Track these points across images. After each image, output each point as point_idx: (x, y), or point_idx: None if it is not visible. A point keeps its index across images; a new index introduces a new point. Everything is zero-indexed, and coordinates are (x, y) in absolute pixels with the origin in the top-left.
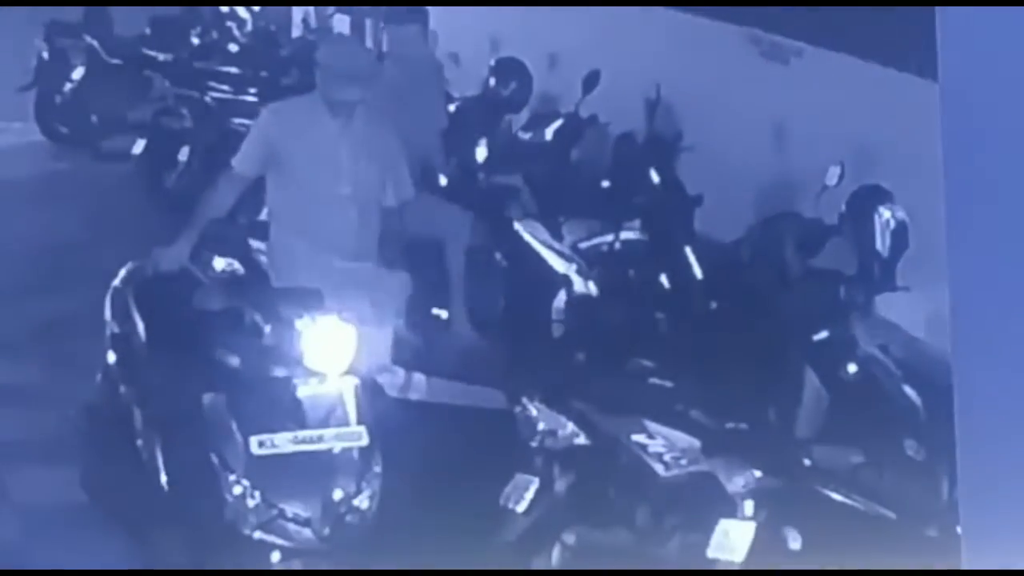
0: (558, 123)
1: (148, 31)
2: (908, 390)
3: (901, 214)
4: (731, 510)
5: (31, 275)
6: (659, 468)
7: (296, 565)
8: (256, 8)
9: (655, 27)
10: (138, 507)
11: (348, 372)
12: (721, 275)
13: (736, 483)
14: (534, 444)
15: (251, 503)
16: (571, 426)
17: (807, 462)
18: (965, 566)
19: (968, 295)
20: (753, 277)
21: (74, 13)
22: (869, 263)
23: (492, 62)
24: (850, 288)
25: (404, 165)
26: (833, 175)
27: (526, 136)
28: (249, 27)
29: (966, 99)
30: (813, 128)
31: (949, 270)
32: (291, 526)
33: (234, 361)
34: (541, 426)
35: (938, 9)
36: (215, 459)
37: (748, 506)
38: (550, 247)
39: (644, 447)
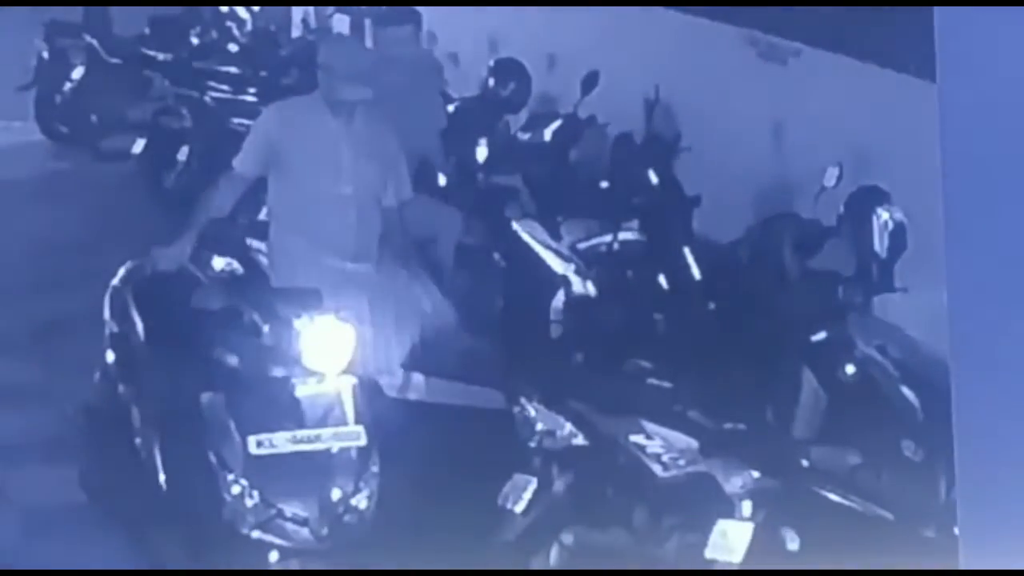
0: (557, 123)
1: (148, 31)
2: (906, 391)
3: (899, 215)
4: (729, 511)
5: (30, 274)
6: (657, 468)
7: (294, 565)
8: (256, 8)
9: (654, 28)
10: (137, 506)
11: (346, 372)
12: (719, 276)
13: (734, 484)
14: (532, 444)
15: (249, 503)
16: (569, 426)
17: (805, 463)
18: (963, 567)
19: (966, 296)
20: (751, 278)
21: (74, 13)
22: (867, 264)
23: (491, 63)
24: (848, 289)
25: (404, 165)
26: (831, 176)
27: (525, 136)
28: (249, 27)
29: (964, 100)
30: (811, 129)
31: (947, 271)
32: (289, 526)
33: (233, 360)
34: (539, 426)
35: (936, 10)
36: (213, 458)
37: (746, 507)
38: (548, 247)
39: (642, 447)
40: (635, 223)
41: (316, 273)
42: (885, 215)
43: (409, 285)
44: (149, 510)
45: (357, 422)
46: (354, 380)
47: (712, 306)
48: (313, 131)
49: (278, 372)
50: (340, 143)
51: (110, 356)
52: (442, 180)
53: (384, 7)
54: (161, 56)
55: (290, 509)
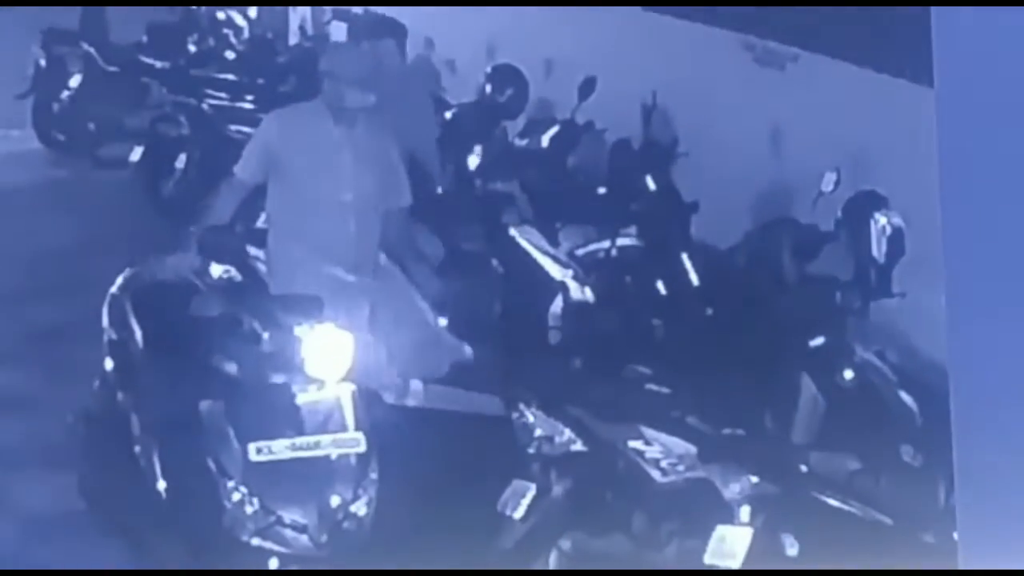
0: (554, 130)
1: (145, 38)
2: (904, 396)
3: (897, 220)
4: (728, 516)
5: (29, 282)
6: (656, 474)
7: None
8: (253, 15)
9: (651, 34)
10: (136, 513)
11: (345, 379)
12: (717, 281)
13: (733, 489)
14: (531, 450)
15: (249, 510)
16: (568, 432)
17: (804, 468)
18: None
19: (964, 301)
20: (749, 283)
21: (71, 21)
22: (865, 269)
23: (488, 69)
24: (846, 294)
25: (403, 171)
26: (829, 181)
27: (522, 143)
28: (246, 34)
29: (962, 105)
30: (809, 134)
31: (945, 276)
32: (289, 532)
33: (232, 368)
34: (538, 432)
35: (933, 15)
36: (213, 465)
37: (745, 512)
38: (547, 253)
39: (641, 453)
40: (633, 229)
41: (315, 280)
42: (883, 220)
43: (407, 291)
44: (148, 517)
45: (356, 429)
46: (353, 387)
47: (710, 312)
48: (315, 138)
49: (277, 379)
50: (342, 150)
51: (109, 363)
52: (439, 188)
53: (368, 20)
54: (158, 64)
55: (289, 516)
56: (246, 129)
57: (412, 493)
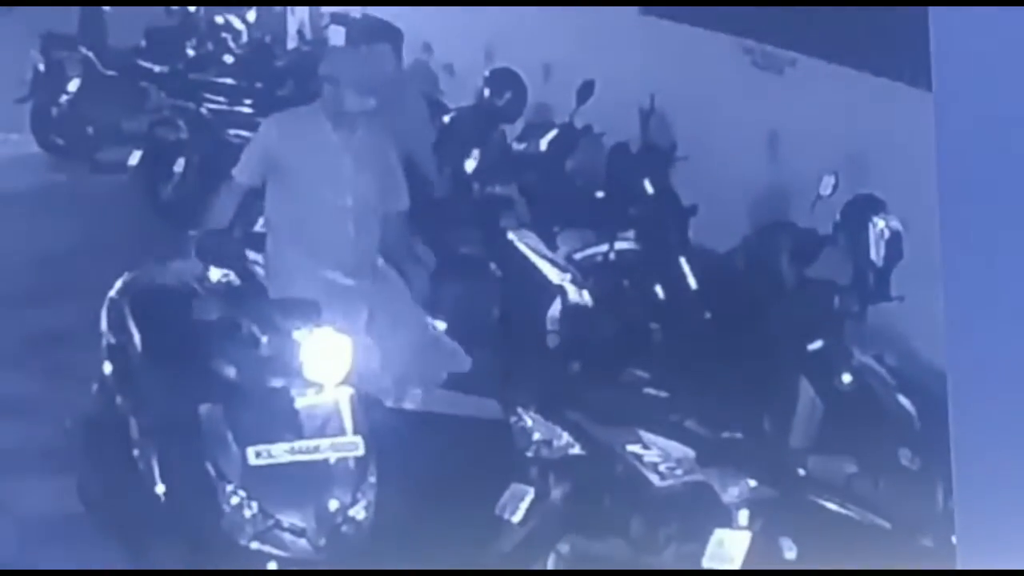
0: (553, 133)
1: (143, 43)
2: (903, 399)
3: (895, 224)
4: (726, 520)
5: (27, 286)
6: (654, 478)
7: None
8: (251, 19)
9: (649, 38)
10: (134, 517)
11: (344, 382)
12: (715, 285)
13: (731, 493)
14: (529, 454)
15: (248, 513)
16: (566, 436)
17: (802, 472)
18: None
19: (962, 304)
20: (747, 287)
21: (70, 25)
22: (863, 272)
23: (487, 72)
24: (844, 298)
25: (402, 175)
26: (827, 185)
27: (521, 146)
28: (244, 38)
29: (960, 108)
30: (807, 138)
31: (943, 279)
32: (287, 536)
33: (230, 372)
34: (536, 436)
35: (931, 18)
36: (212, 469)
37: (743, 516)
38: (544, 257)
39: (639, 457)
40: (631, 233)
41: (313, 284)
42: (881, 224)
43: (406, 295)
44: (147, 521)
45: (355, 432)
46: (351, 391)
47: (708, 315)
48: (314, 142)
49: (276, 383)
50: (341, 154)
51: (107, 367)
52: (437, 191)
53: (365, 24)
54: (157, 68)
55: (288, 519)
56: (245, 133)
57: (411, 497)
